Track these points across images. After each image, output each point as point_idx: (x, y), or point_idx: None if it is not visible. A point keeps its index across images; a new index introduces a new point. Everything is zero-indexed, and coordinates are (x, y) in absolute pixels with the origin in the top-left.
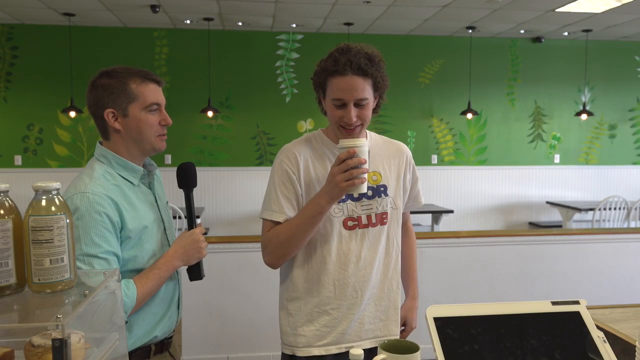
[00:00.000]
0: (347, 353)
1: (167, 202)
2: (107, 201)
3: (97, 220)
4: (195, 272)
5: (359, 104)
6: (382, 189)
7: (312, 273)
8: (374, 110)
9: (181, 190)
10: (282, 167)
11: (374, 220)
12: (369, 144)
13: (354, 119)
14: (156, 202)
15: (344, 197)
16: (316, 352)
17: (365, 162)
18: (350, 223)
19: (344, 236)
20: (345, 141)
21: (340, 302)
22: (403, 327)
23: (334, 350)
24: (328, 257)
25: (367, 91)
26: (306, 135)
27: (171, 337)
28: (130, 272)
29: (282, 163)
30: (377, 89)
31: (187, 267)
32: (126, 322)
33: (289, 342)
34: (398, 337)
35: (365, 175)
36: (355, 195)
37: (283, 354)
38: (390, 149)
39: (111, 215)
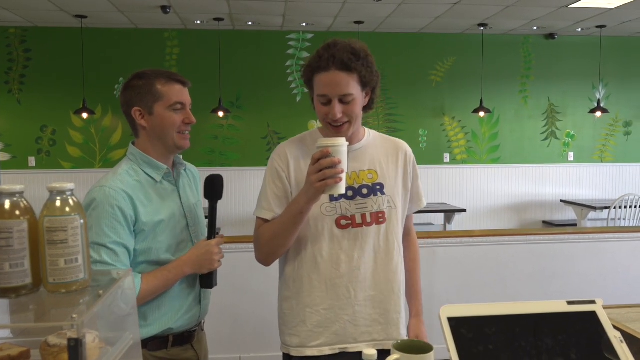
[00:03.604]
0: (341, 354)
1: (197, 202)
2: (123, 195)
3: (109, 212)
4: (206, 281)
5: (343, 100)
6: (378, 187)
7: (304, 272)
8: (368, 107)
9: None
10: (272, 166)
11: (368, 220)
12: (367, 143)
13: (339, 115)
14: (180, 199)
15: (337, 196)
16: (309, 352)
17: (340, 163)
18: (343, 222)
19: (336, 235)
20: (322, 141)
21: (332, 302)
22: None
23: (327, 351)
24: (319, 256)
25: (351, 87)
26: (302, 133)
27: (194, 331)
28: (146, 264)
29: (273, 161)
30: (364, 84)
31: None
32: None
33: (284, 341)
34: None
35: (342, 176)
36: (336, 195)
37: (283, 354)
38: (389, 146)
39: (124, 208)
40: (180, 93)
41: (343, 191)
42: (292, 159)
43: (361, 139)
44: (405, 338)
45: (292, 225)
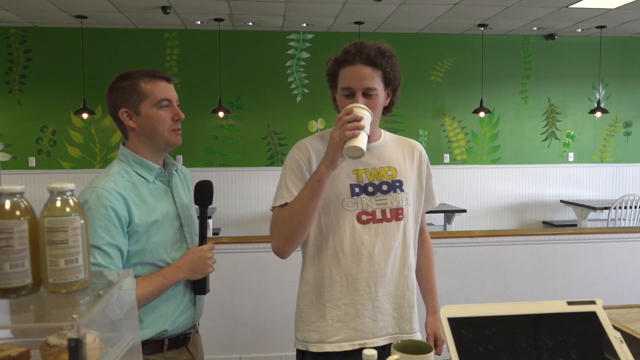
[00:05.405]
0: (360, 350)
1: (190, 202)
2: (116, 196)
3: (102, 213)
4: (200, 287)
5: (367, 94)
6: (397, 184)
7: (324, 267)
8: (388, 109)
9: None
10: (293, 158)
11: (388, 216)
12: (384, 142)
13: None
14: (173, 199)
15: (357, 186)
16: (328, 348)
17: (362, 119)
18: (364, 217)
19: (358, 230)
20: (349, 105)
21: (352, 297)
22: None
23: (347, 346)
24: (340, 251)
25: (375, 82)
26: (322, 132)
27: (189, 334)
28: (140, 265)
29: (293, 154)
30: (388, 83)
31: (192, 280)
32: None
33: (302, 337)
34: (411, 335)
35: (362, 133)
36: (356, 146)
37: (297, 350)
38: (405, 146)
39: (118, 209)
40: (166, 90)
41: (363, 147)
42: (313, 152)
43: (378, 139)
44: (417, 332)
45: (311, 197)
